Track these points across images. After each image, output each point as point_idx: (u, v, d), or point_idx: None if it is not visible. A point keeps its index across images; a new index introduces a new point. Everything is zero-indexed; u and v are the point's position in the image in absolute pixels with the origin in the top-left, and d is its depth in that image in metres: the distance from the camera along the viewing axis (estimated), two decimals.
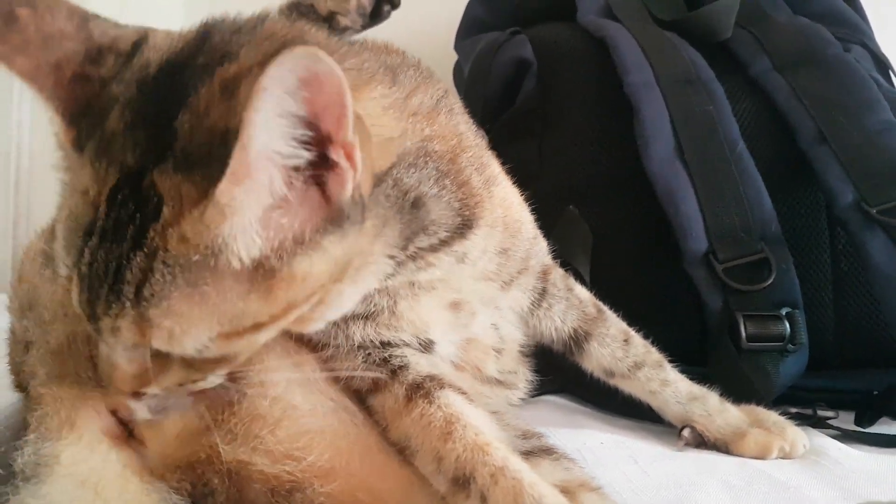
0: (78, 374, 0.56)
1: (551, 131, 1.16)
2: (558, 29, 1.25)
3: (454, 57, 1.49)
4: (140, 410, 0.53)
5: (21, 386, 0.64)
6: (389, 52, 0.68)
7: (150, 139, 0.44)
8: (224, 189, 0.41)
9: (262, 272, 0.45)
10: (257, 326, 0.47)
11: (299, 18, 0.79)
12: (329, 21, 0.82)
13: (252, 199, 0.43)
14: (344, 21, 0.82)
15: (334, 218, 0.47)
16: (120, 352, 0.47)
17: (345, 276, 0.51)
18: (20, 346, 0.62)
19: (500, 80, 1.23)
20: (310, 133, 0.44)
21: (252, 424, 0.53)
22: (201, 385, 0.50)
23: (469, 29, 1.44)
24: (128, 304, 0.44)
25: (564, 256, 0.94)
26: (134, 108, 0.45)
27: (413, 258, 0.61)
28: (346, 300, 0.55)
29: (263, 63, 0.39)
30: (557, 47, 1.20)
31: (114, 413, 0.55)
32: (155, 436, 0.54)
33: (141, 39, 0.49)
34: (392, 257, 0.59)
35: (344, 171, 0.45)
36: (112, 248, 0.43)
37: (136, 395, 0.52)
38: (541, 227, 0.80)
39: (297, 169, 0.45)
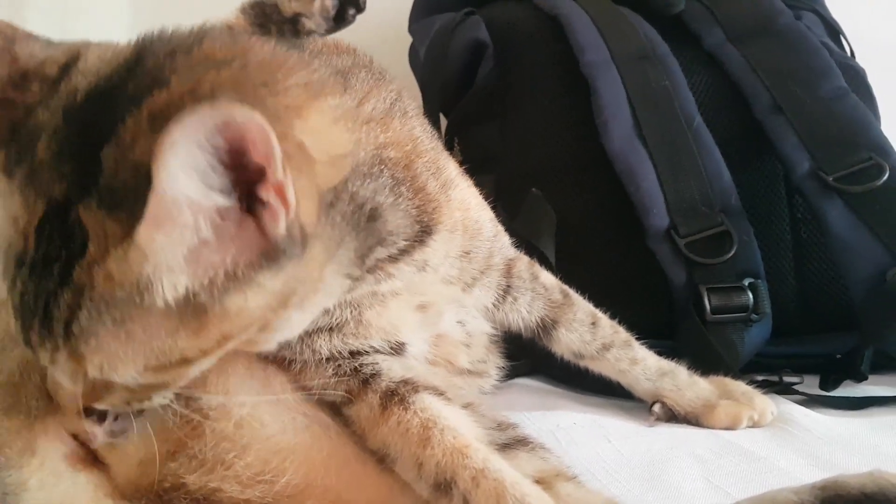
0: (29, 404, 0.54)
1: (512, 113, 1.16)
2: (512, 8, 1.24)
3: (408, 39, 1.47)
4: (99, 434, 0.53)
5: None
6: (340, 53, 0.66)
7: (75, 172, 0.43)
8: (143, 233, 0.40)
9: (192, 309, 0.44)
10: (186, 360, 0.46)
11: (264, 20, 0.78)
12: (294, 23, 0.80)
13: (175, 241, 0.42)
14: (308, 24, 0.80)
15: (269, 253, 0.45)
16: (61, 373, 0.46)
17: (289, 305, 0.49)
18: None
19: (457, 62, 1.22)
20: (232, 176, 0.42)
21: (218, 450, 0.52)
22: (147, 405, 0.49)
23: (422, 10, 1.42)
24: (59, 339, 0.43)
25: (529, 238, 0.95)
26: (60, 137, 0.44)
27: (371, 271, 0.60)
28: (296, 324, 0.55)
29: (193, 94, 0.40)
30: (512, 27, 1.19)
31: (74, 437, 0.54)
32: (117, 461, 0.53)
33: (70, 62, 0.47)
34: (349, 275, 0.58)
35: (276, 209, 0.44)
36: (41, 282, 0.43)
37: (90, 415, 0.51)
38: (505, 210, 0.80)
39: (223, 209, 0.43)
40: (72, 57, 0.47)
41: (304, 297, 0.51)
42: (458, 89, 1.24)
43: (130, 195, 0.40)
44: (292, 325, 0.54)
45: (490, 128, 1.18)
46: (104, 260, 0.41)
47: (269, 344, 0.54)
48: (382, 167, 0.58)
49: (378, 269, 0.60)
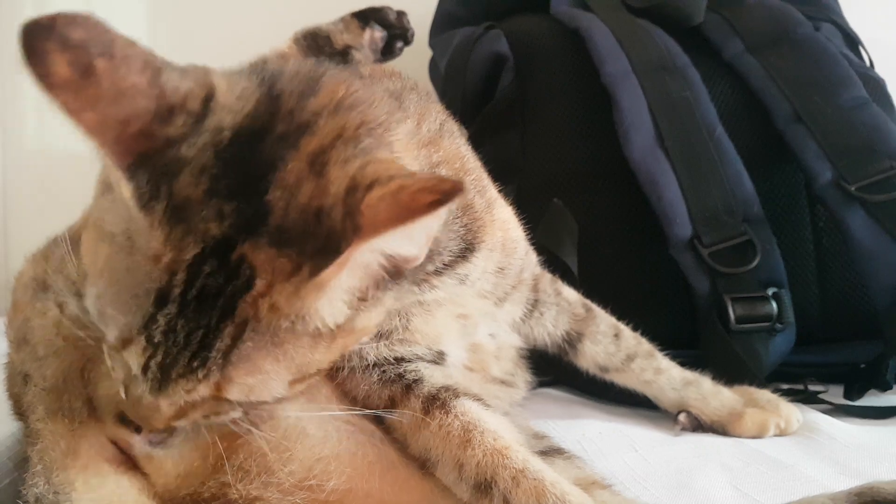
0: (73, 408, 0.56)
1: (532, 124, 1.17)
2: (532, 22, 1.25)
3: (428, 53, 1.48)
4: (137, 443, 0.54)
5: (21, 414, 0.64)
6: (389, 77, 0.69)
7: (238, 212, 0.44)
8: (330, 273, 0.43)
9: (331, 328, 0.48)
10: (319, 371, 0.50)
11: (316, 50, 0.80)
12: (344, 55, 0.82)
13: (349, 280, 0.46)
14: (358, 56, 0.83)
15: (395, 277, 0.49)
16: (167, 399, 0.47)
17: (388, 314, 0.54)
18: (19, 376, 0.61)
19: (477, 75, 1.23)
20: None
21: (263, 459, 0.53)
22: (223, 419, 0.51)
23: (442, 24, 1.44)
24: (214, 368, 0.45)
25: (552, 249, 0.95)
26: (213, 175, 0.45)
27: (418, 283, 0.62)
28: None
29: (341, 138, 0.47)
30: (532, 40, 1.21)
31: (113, 443, 0.55)
32: (155, 471, 0.54)
33: (208, 96, 0.48)
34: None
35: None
36: (196, 317, 0.44)
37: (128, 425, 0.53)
38: (527, 221, 0.81)
39: None
40: (208, 91, 0.48)
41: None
42: (478, 101, 1.25)
43: (301, 235, 0.44)
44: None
45: (510, 138, 1.19)
46: (270, 293, 0.44)
47: None
48: None
49: (424, 280, 0.62)
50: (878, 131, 1.01)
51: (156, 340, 0.44)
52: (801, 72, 1.08)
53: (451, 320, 0.69)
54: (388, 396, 0.62)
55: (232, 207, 0.44)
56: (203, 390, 0.45)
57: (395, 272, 0.48)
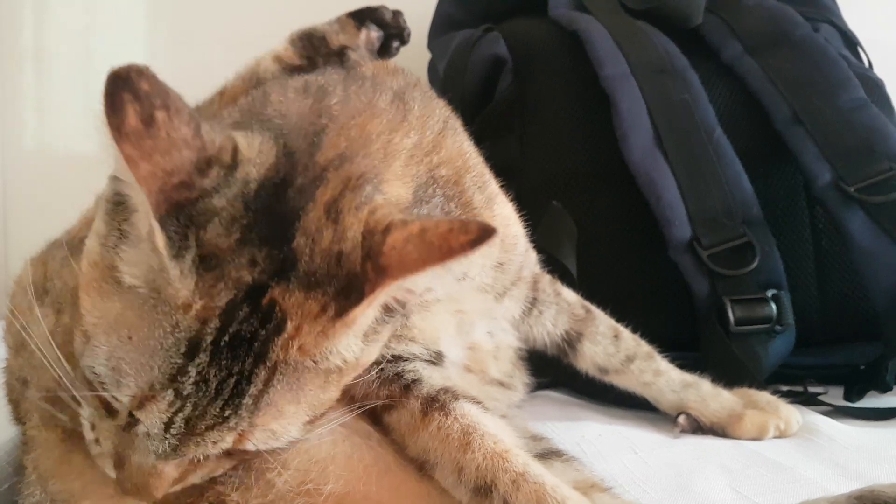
0: (65, 416, 0.56)
1: (531, 126, 1.17)
2: (531, 24, 1.25)
3: (427, 55, 1.48)
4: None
5: (20, 419, 0.64)
6: (392, 74, 0.69)
7: (269, 259, 0.46)
8: (359, 311, 0.46)
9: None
10: (330, 409, 0.52)
11: (312, 52, 0.80)
12: (340, 55, 0.82)
13: (370, 316, 0.48)
14: (354, 56, 0.82)
15: (393, 310, 0.50)
16: (172, 461, 0.47)
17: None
18: (17, 382, 0.61)
19: (476, 77, 1.23)
20: None
21: (260, 468, 0.53)
22: (218, 473, 0.51)
23: (441, 26, 1.44)
24: (245, 415, 0.46)
25: (551, 251, 0.95)
26: (244, 225, 0.46)
27: None
28: None
29: (348, 186, 0.50)
30: (531, 43, 1.20)
31: None
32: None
33: (234, 148, 0.49)
34: None
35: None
36: (229, 365, 0.45)
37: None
38: (526, 223, 0.81)
39: None
40: (233, 143, 0.50)
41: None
42: (477, 103, 1.25)
43: (325, 277, 0.46)
44: None
45: (509, 141, 1.19)
46: (299, 335, 0.46)
47: None
48: (435, 187, 0.61)
49: None
50: (877, 132, 1.01)
51: (185, 393, 0.44)
52: (800, 73, 1.08)
53: (449, 316, 0.69)
54: (386, 396, 0.62)
55: (264, 254, 0.46)
56: (229, 440, 0.46)
57: (404, 303, 0.50)
